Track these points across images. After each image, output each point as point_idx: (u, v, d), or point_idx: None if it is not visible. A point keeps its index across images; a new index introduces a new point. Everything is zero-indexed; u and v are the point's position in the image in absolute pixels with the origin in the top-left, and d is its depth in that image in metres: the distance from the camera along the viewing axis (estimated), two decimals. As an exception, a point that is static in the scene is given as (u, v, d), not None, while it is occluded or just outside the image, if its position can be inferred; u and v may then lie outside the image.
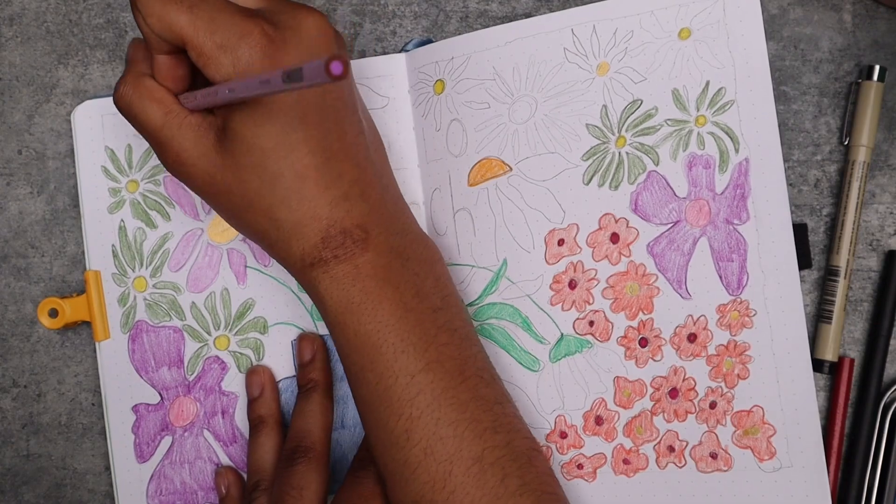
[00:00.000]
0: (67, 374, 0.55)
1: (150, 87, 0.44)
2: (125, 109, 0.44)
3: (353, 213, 0.43)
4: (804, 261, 0.49)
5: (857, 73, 0.50)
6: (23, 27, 0.55)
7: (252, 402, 0.51)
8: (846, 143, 0.49)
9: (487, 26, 0.53)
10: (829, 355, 0.49)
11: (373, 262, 0.43)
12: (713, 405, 0.48)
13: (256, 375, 0.51)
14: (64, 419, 0.55)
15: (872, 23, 0.51)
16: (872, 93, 0.49)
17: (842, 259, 0.49)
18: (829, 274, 0.49)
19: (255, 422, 0.51)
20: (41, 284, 0.55)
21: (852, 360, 0.49)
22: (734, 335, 0.47)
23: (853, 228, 0.49)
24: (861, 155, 0.49)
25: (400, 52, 0.52)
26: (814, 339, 0.50)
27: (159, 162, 0.52)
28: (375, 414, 0.44)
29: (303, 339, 0.51)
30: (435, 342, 0.44)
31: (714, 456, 0.48)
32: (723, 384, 0.47)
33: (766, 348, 0.47)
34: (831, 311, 0.49)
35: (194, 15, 0.41)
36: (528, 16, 0.52)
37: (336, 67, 0.31)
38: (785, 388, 0.47)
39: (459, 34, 0.52)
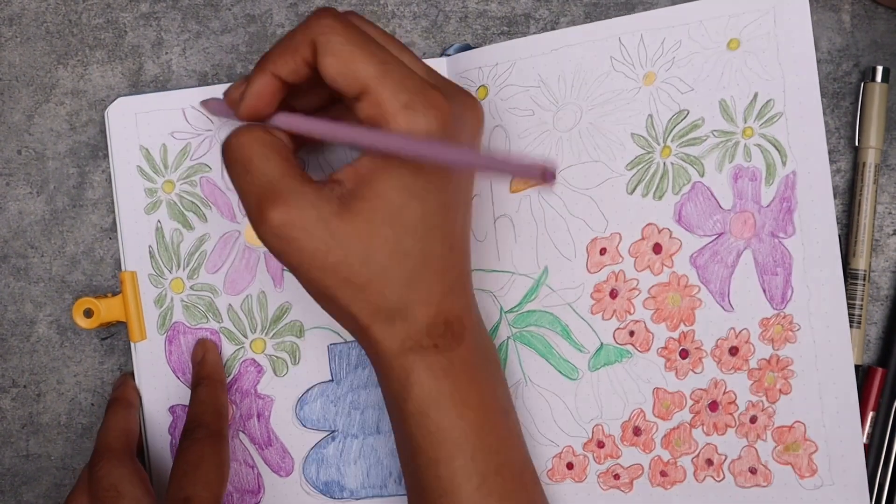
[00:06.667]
0: (67, 374, 0.54)
1: (269, 138, 0.42)
2: (239, 156, 0.42)
3: (457, 305, 0.43)
4: None
5: (856, 73, 0.50)
6: (22, 27, 0.54)
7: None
8: (857, 145, 0.49)
9: (487, 27, 0.52)
10: (856, 359, 0.49)
11: (464, 358, 0.43)
12: (754, 419, 0.47)
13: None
14: (63, 419, 0.55)
15: (871, 23, 0.50)
16: (877, 94, 0.49)
17: (862, 262, 0.49)
18: (851, 278, 0.49)
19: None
20: (41, 285, 0.54)
21: (884, 371, 0.49)
22: (777, 349, 0.47)
23: (871, 231, 0.49)
24: (871, 157, 0.49)
25: (441, 56, 0.52)
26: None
27: (194, 163, 0.52)
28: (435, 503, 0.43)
29: (196, 344, 0.52)
30: (505, 445, 0.44)
31: (753, 471, 0.47)
32: (764, 399, 0.47)
33: (809, 364, 0.46)
34: (853, 315, 0.48)
35: (385, 69, 0.40)
36: (527, 16, 0.52)
37: (549, 176, 0.36)
38: (828, 405, 0.46)
39: (459, 34, 0.52)
